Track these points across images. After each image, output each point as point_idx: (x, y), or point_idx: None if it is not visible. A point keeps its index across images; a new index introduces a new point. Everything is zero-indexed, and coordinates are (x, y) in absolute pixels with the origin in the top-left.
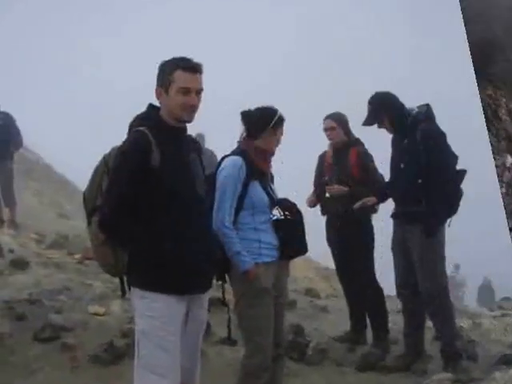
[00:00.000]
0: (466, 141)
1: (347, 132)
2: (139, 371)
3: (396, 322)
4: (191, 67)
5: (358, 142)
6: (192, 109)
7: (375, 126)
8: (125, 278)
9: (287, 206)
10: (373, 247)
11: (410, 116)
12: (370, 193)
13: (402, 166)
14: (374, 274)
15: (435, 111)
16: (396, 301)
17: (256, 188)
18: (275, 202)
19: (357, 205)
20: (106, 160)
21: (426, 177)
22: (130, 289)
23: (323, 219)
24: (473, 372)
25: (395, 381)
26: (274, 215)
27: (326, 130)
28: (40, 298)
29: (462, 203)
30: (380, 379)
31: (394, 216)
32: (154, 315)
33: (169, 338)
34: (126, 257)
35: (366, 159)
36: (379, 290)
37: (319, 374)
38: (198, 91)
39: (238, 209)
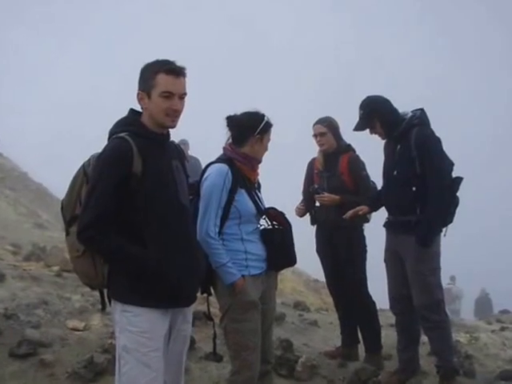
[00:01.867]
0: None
1: (338, 137)
2: None
3: (389, 336)
4: (174, 70)
5: (349, 148)
6: (175, 114)
7: (367, 131)
8: (105, 291)
9: (275, 215)
10: (365, 258)
11: (403, 121)
12: (361, 201)
13: (395, 173)
14: (365, 287)
15: None
16: (389, 314)
17: (242, 197)
18: (262, 211)
19: (348, 214)
20: (85, 168)
21: (421, 184)
22: (110, 302)
23: (313, 229)
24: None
25: None
26: (261, 225)
27: (315, 135)
28: (16, 313)
29: (458, 212)
30: None
31: (386, 225)
32: (136, 330)
33: (151, 354)
34: (106, 269)
35: (357, 166)
36: (371, 303)
37: None
38: (182, 96)
39: (224, 218)
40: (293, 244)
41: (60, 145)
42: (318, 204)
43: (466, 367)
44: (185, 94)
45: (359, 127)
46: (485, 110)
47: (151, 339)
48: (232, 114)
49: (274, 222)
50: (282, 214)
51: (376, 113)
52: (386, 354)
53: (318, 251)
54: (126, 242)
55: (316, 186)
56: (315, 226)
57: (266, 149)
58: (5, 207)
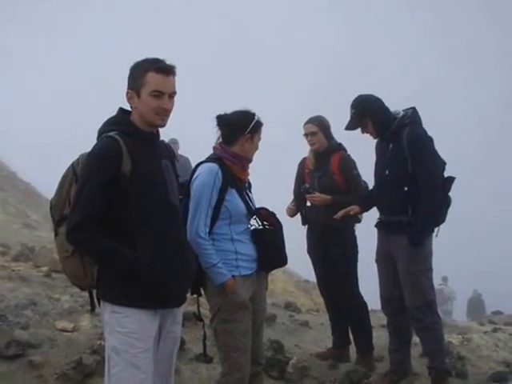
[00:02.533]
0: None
1: (329, 137)
2: None
3: (381, 337)
4: (164, 69)
5: (340, 148)
6: (165, 113)
7: (359, 130)
8: (94, 292)
9: (266, 215)
10: (356, 259)
11: (394, 120)
12: (353, 201)
13: (386, 172)
14: (357, 287)
15: None
16: (381, 315)
17: (233, 196)
18: (253, 211)
19: (339, 214)
20: (74, 167)
21: (413, 184)
22: (99, 303)
23: (304, 229)
24: None
25: None
26: (251, 225)
27: (306, 135)
28: (4, 313)
29: (448, 214)
30: None
31: (378, 225)
32: (125, 331)
33: (141, 355)
34: (95, 269)
35: (348, 165)
36: (363, 304)
37: None
38: (172, 95)
39: (214, 218)
40: (283, 244)
41: (49, 145)
42: (308, 204)
43: (458, 368)
44: (174, 92)
45: (351, 126)
46: (476, 111)
47: (140, 340)
48: (222, 113)
49: (265, 222)
50: (272, 214)
51: (367, 112)
52: (377, 356)
53: (309, 251)
54: (115, 242)
55: (307, 186)
56: (306, 226)
57: (256, 148)
58: None
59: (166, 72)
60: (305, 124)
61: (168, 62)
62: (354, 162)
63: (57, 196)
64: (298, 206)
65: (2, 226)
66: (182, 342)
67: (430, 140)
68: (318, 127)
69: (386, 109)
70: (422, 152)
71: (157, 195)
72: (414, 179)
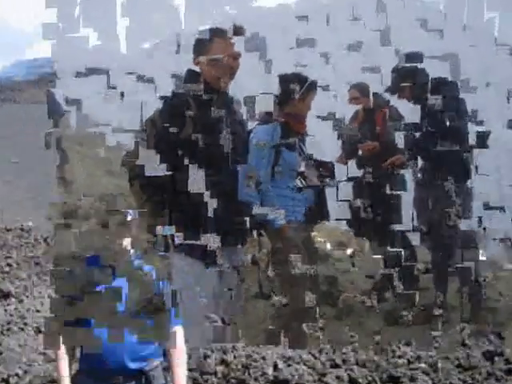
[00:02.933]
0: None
1: (373, 97)
2: None
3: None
4: (227, 34)
5: (387, 104)
6: (231, 71)
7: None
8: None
9: (322, 164)
10: (400, 203)
11: (430, 82)
12: (398, 151)
13: (424, 129)
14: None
15: None
16: (424, 251)
17: (289, 149)
18: (308, 162)
19: (387, 162)
20: (152, 120)
21: (449, 138)
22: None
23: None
24: (495, 320)
25: (418, 333)
26: (296, 185)
27: (350, 100)
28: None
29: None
30: (404, 331)
31: (418, 173)
32: (187, 274)
33: (202, 294)
34: (166, 215)
35: (392, 120)
36: (407, 243)
37: (346, 326)
38: (236, 56)
39: (272, 170)
40: (325, 201)
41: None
42: (360, 153)
43: (491, 303)
44: (238, 54)
45: (391, 90)
46: None
47: (201, 282)
48: (282, 73)
49: (321, 169)
50: (329, 163)
51: (408, 77)
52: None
53: (355, 199)
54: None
55: (358, 137)
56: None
57: (309, 108)
58: (75, 162)
59: (228, 37)
60: (349, 90)
61: (235, 24)
62: (399, 116)
63: (130, 152)
64: (350, 155)
65: (85, 174)
66: (242, 281)
67: (463, 100)
68: (360, 93)
69: (427, 75)
70: (456, 109)
71: (221, 149)
72: (450, 134)
